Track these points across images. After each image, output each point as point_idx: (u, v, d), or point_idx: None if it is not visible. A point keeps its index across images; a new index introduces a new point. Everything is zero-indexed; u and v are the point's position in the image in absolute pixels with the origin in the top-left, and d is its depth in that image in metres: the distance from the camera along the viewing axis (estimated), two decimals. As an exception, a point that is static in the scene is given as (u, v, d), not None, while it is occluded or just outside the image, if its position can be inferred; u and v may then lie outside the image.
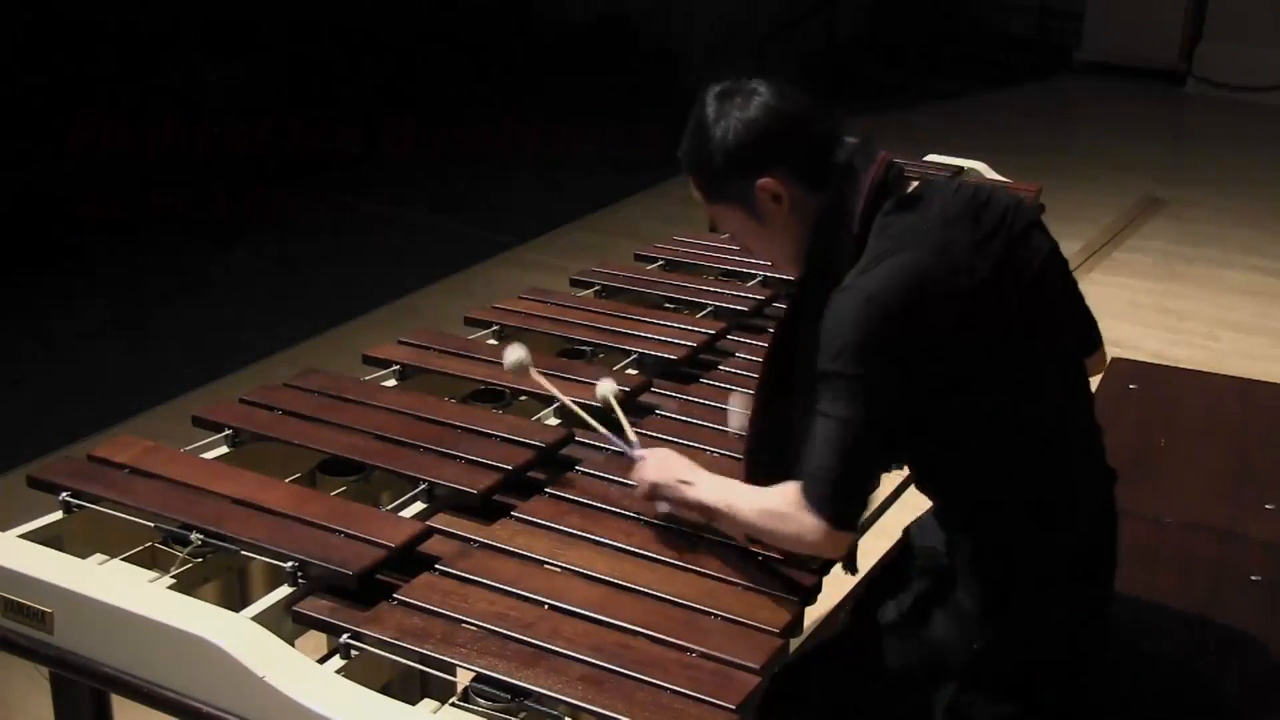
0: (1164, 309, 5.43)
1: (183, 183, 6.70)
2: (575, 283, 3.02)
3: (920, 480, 1.85)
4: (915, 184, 1.76)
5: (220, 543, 1.80)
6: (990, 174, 3.90)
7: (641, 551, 1.82)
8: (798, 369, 1.74)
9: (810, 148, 1.74)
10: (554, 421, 2.27)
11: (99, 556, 1.89)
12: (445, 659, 1.58)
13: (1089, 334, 1.94)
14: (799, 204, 1.74)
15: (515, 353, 2.14)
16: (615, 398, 2.10)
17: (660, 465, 1.86)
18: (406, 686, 2.04)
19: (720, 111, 1.74)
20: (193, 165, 6.84)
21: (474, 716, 1.55)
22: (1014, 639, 1.76)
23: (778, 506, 1.68)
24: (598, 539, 1.86)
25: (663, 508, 1.87)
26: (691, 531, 1.87)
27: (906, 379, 1.62)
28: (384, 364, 2.47)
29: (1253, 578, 2.35)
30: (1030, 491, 1.72)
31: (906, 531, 1.94)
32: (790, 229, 1.77)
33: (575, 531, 1.87)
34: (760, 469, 1.82)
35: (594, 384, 2.14)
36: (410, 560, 1.78)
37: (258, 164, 6.96)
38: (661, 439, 2.13)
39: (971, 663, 1.76)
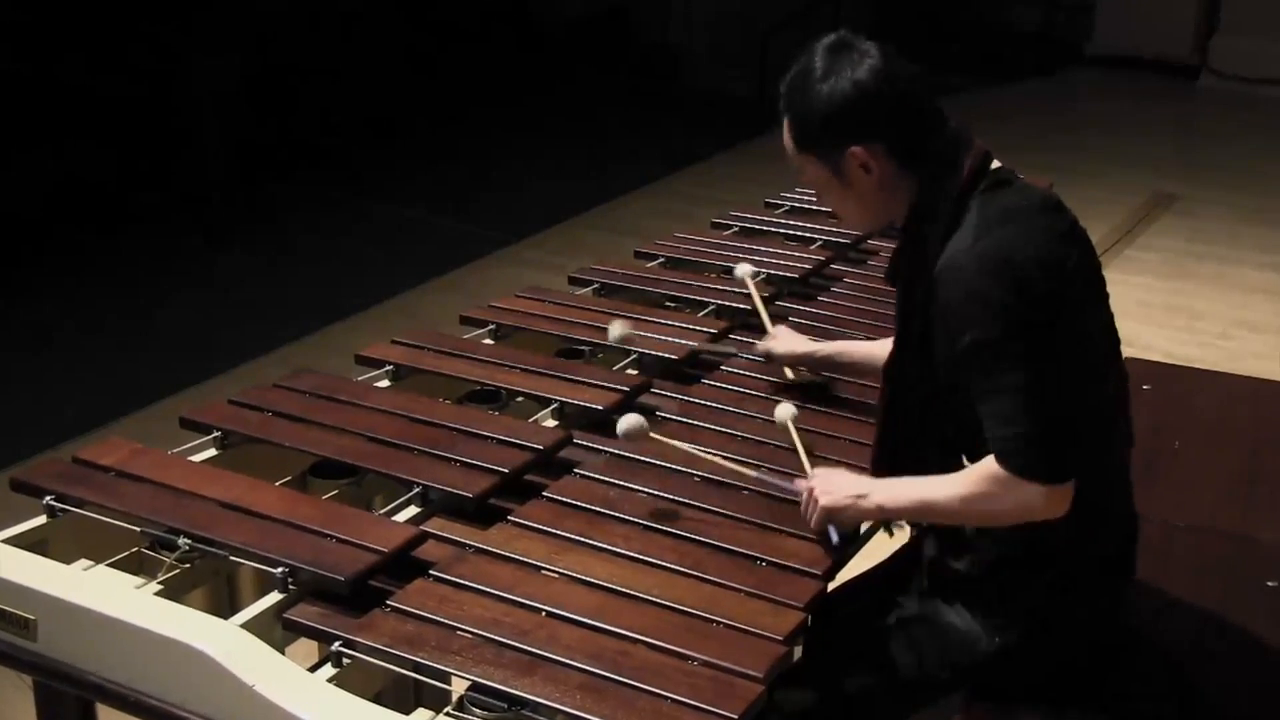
0: (1176, 308, 5.42)
1: (172, 179, 6.71)
2: (574, 281, 3.02)
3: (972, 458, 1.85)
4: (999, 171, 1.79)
5: (209, 548, 1.80)
6: (999, 169, 3.90)
7: (641, 557, 1.82)
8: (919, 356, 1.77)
9: (911, 127, 1.75)
10: (551, 423, 2.26)
11: (84, 562, 1.89)
12: (440, 667, 1.58)
13: None
14: (887, 178, 1.76)
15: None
16: (794, 422, 2.10)
17: (826, 487, 1.84)
18: (400, 695, 2.04)
19: (830, 66, 1.74)
20: (183, 161, 6.84)
21: (469, 726, 1.55)
22: (1035, 638, 1.77)
23: (984, 488, 1.67)
24: (596, 544, 1.85)
25: (834, 535, 1.83)
26: (692, 536, 1.87)
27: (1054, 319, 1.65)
28: (377, 364, 2.46)
29: (1268, 583, 2.35)
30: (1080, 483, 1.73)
31: (918, 533, 1.94)
32: (872, 198, 1.79)
33: (573, 536, 1.87)
34: (885, 464, 1.86)
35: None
36: (404, 566, 1.78)
37: (250, 159, 6.95)
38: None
39: (989, 661, 1.77)
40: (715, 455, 2.01)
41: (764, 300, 2.63)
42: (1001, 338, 1.63)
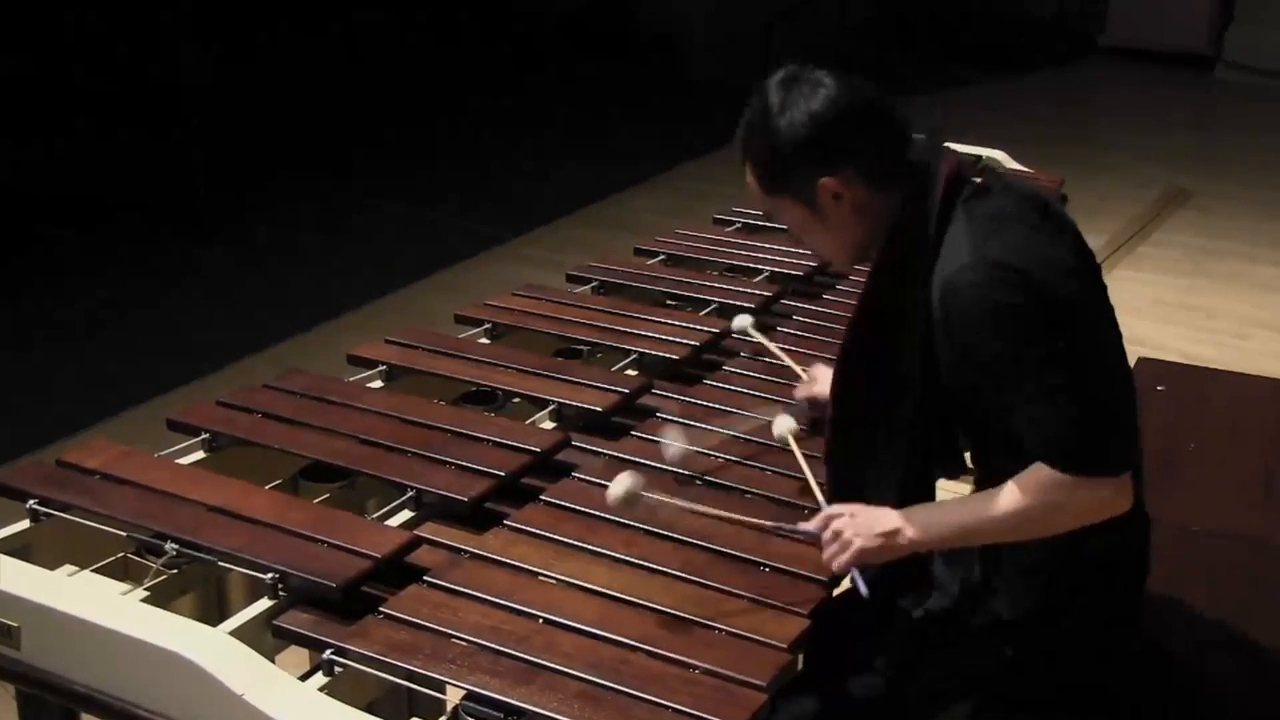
0: (1191, 306, 5.42)
1: (160, 175, 6.71)
2: (572, 279, 3.02)
3: (984, 465, 1.85)
4: (979, 175, 1.79)
5: (197, 553, 1.80)
6: (1010, 163, 3.90)
7: (641, 562, 1.82)
8: (885, 357, 1.76)
9: (877, 148, 1.74)
10: (549, 425, 2.26)
11: (69, 567, 1.89)
12: (434, 676, 1.58)
13: None
14: (861, 203, 1.76)
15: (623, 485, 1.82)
16: (794, 436, 2.05)
17: (854, 529, 1.74)
18: (393, 705, 2.04)
19: (784, 102, 1.73)
20: (171, 157, 6.85)
21: (464, 736, 1.55)
22: (1045, 645, 1.77)
23: (1045, 498, 1.65)
24: (595, 549, 1.85)
25: (862, 586, 1.75)
26: (693, 541, 1.87)
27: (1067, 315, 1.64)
28: (370, 364, 2.47)
29: (1285, 589, 2.35)
30: None
31: None
32: (850, 226, 1.78)
33: (571, 541, 1.87)
34: (841, 462, 1.84)
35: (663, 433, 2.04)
36: (397, 571, 1.78)
37: (238, 154, 6.96)
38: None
39: (998, 668, 1.78)
40: (720, 513, 1.89)
41: (773, 343, 2.45)
42: (1022, 344, 1.62)
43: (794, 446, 2.04)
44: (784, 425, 2.08)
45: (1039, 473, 1.65)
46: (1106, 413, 1.65)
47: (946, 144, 1.78)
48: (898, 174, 1.74)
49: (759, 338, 2.46)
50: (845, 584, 1.89)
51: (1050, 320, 1.63)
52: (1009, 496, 1.67)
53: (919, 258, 1.71)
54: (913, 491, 1.80)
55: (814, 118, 1.71)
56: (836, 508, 1.79)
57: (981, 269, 1.64)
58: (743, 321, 2.49)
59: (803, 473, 1.98)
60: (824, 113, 1.71)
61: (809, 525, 1.80)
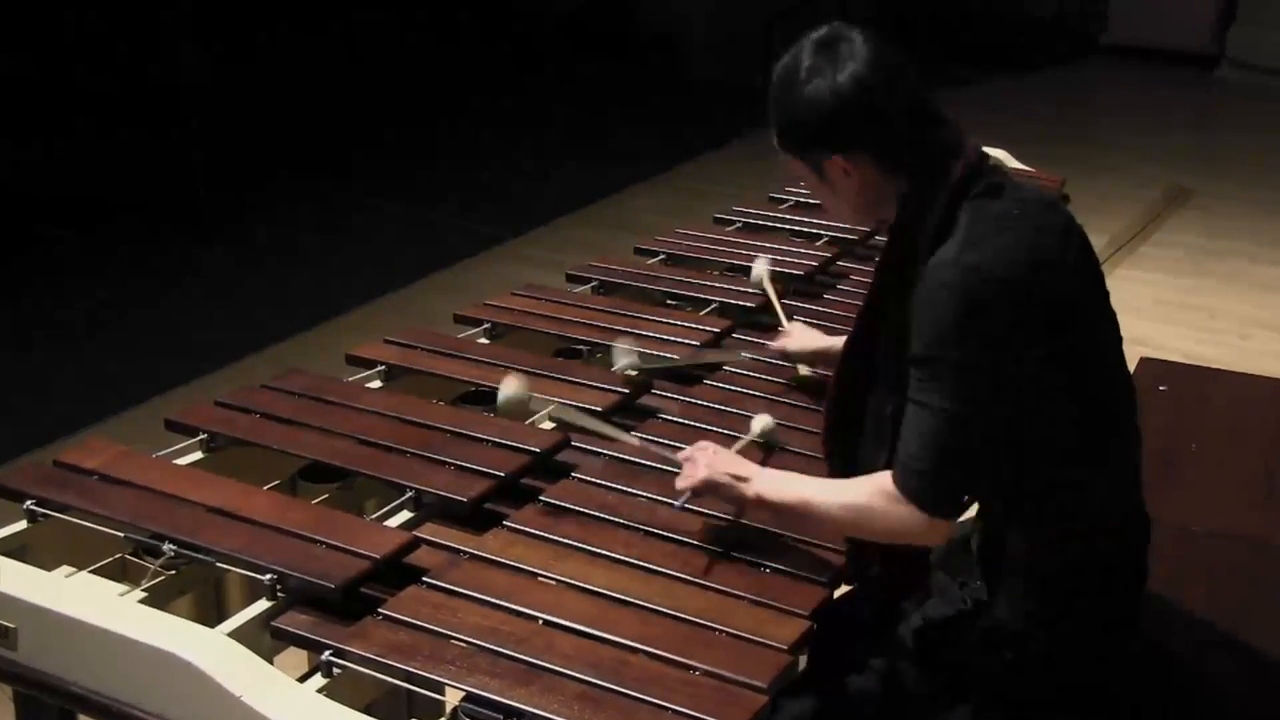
0: (1193, 306, 5.42)
1: (160, 175, 6.71)
2: (571, 278, 3.02)
3: None
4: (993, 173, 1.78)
5: (195, 554, 1.80)
6: (1013, 163, 3.89)
7: (641, 563, 1.82)
8: (882, 353, 1.78)
9: (895, 135, 1.73)
10: (548, 425, 2.26)
11: (66, 568, 1.88)
12: (433, 677, 1.58)
13: None
14: (870, 183, 1.76)
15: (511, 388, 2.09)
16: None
17: (712, 460, 1.85)
18: (392, 706, 2.04)
19: (815, 66, 1.72)
20: (171, 157, 6.85)
21: (464, 738, 1.55)
22: (1046, 646, 1.77)
23: (867, 501, 1.69)
24: (595, 550, 1.85)
25: (679, 503, 1.86)
26: (693, 542, 1.87)
27: (1011, 362, 1.64)
28: (369, 364, 2.47)
29: (1288, 590, 2.35)
30: (1093, 490, 1.75)
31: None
32: (856, 199, 1.79)
33: (571, 542, 1.87)
34: (838, 459, 1.86)
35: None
36: (396, 572, 1.78)
37: (236, 155, 6.96)
38: (661, 443, 2.12)
39: (999, 670, 1.77)
40: (599, 423, 2.06)
41: (780, 296, 2.65)
42: (941, 355, 1.62)
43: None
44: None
45: (882, 477, 1.68)
46: (967, 458, 1.66)
47: (971, 139, 1.77)
48: (912, 162, 1.74)
49: (768, 284, 2.68)
50: (846, 585, 1.90)
51: (977, 346, 1.61)
52: (846, 488, 1.73)
53: (919, 246, 1.71)
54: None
55: (836, 95, 1.69)
56: (709, 444, 1.89)
57: (951, 271, 1.63)
58: (760, 269, 2.73)
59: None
60: (847, 93, 1.69)
61: (682, 452, 1.90)
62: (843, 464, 1.85)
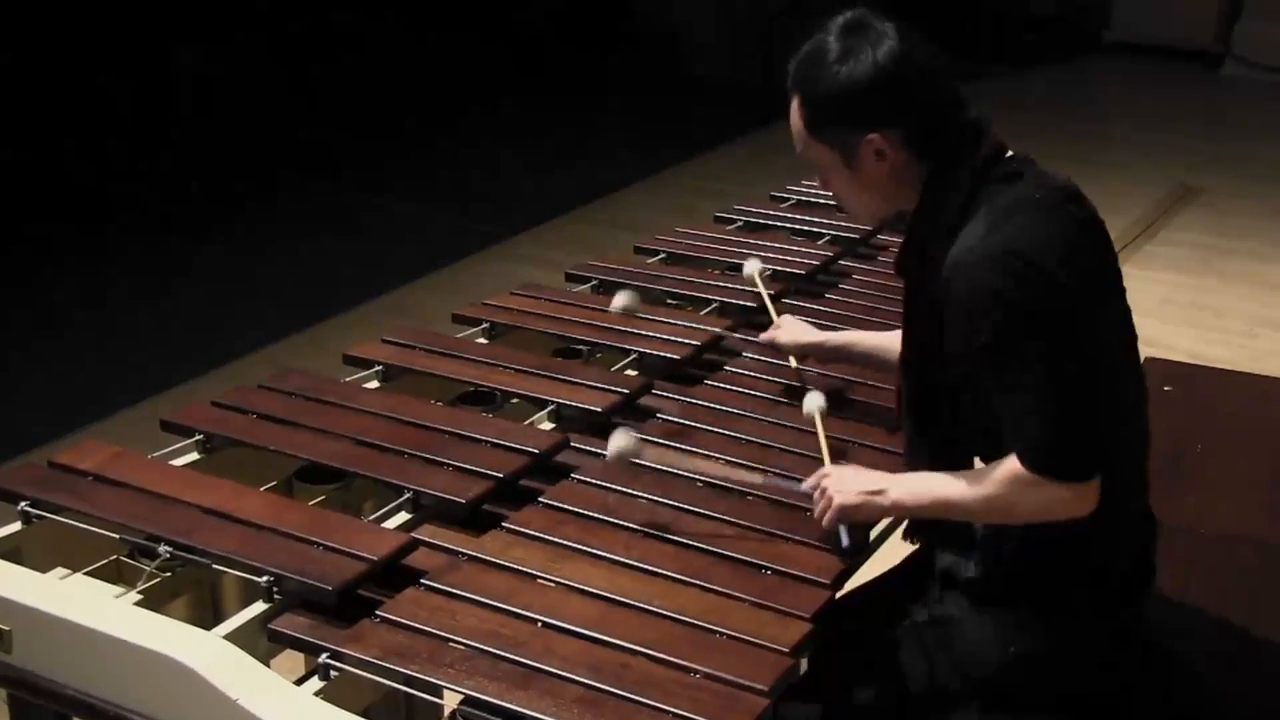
0: (1200, 305, 5.42)
1: (159, 175, 6.71)
2: (571, 277, 3.02)
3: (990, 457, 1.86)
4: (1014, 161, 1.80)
5: (191, 555, 1.80)
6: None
7: (641, 565, 1.82)
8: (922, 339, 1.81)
9: (930, 114, 1.75)
10: (548, 425, 2.26)
11: (60, 570, 1.89)
12: (431, 680, 1.58)
13: None
14: (899, 166, 1.77)
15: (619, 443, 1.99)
16: (821, 414, 2.10)
17: (840, 485, 1.83)
18: (390, 709, 2.04)
19: (846, 47, 1.73)
20: (164, 154, 6.85)
21: (462, 741, 1.55)
22: (1052, 649, 1.77)
23: (1005, 491, 1.69)
24: (595, 551, 1.85)
25: (845, 538, 1.83)
26: (694, 544, 1.87)
27: (1070, 312, 1.65)
28: (366, 364, 2.46)
29: (1295, 593, 2.35)
30: (1100, 491, 1.74)
31: (929, 541, 1.94)
32: (881, 187, 1.80)
33: (571, 544, 1.87)
34: (925, 453, 1.87)
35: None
36: (394, 574, 1.78)
37: (235, 155, 6.96)
38: (662, 444, 2.13)
39: (1004, 673, 1.77)
40: (716, 460, 2.01)
41: (772, 295, 2.64)
42: (1017, 335, 1.64)
43: (818, 422, 2.10)
44: (813, 403, 2.15)
45: (1010, 464, 1.68)
46: (1084, 418, 1.66)
47: (992, 125, 1.78)
48: (940, 146, 1.75)
49: (759, 283, 2.64)
50: (845, 588, 1.90)
51: (1044, 315, 1.64)
52: (980, 480, 1.72)
53: (940, 234, 1.73)
54: (944, 458, 1.85)
55: (877, 68, 1.71)
56: (830, 467, 1.88)
57: (986, 254, 1.65)
58: (752, 268, 2.68)
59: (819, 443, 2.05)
60: (886, 66, 1.71)
61: (805, 484, 1.88)
62: (930, 465, 1.85)
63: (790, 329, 2.40)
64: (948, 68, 1.77)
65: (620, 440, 1.96)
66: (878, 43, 1.72)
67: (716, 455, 2.09)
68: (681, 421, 2.26)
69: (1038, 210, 1.70)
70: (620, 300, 2.54)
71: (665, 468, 2.05)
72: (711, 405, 2.33)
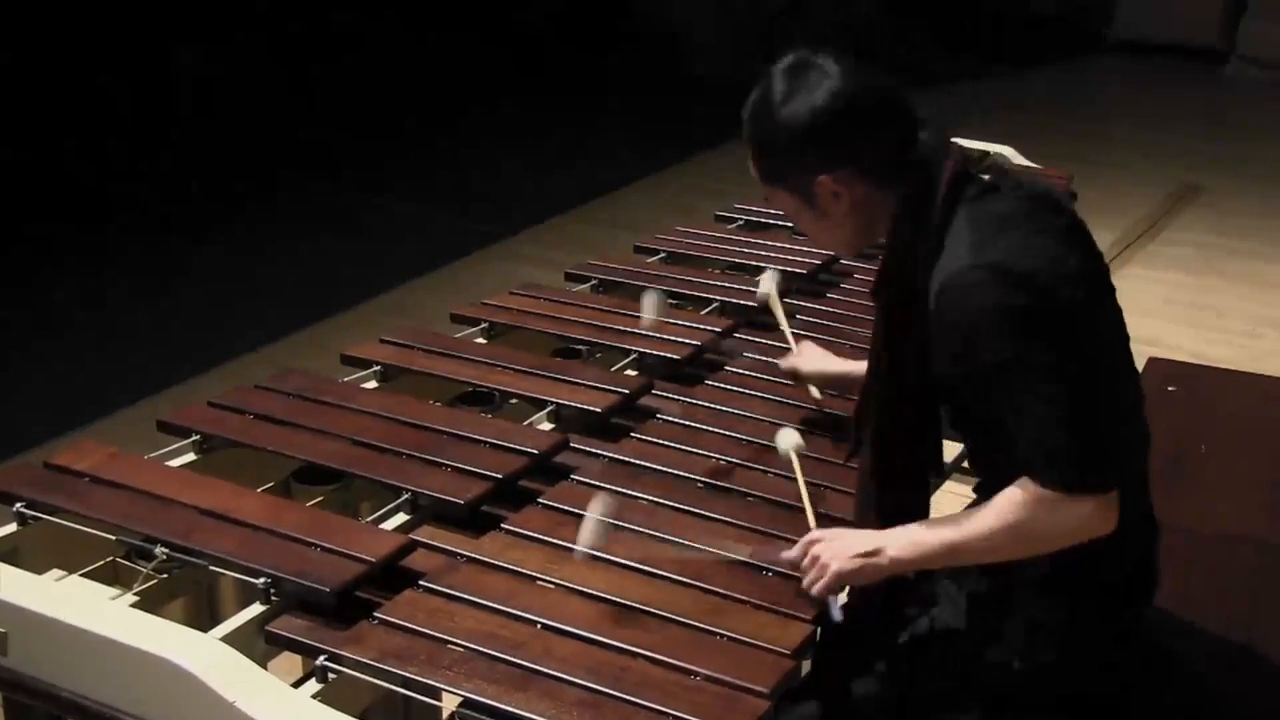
0: (1202, 305, 5.42)
1: (159, 175, 6.71)
2: (570, 277, 3.02)
3: (985, 467, 1.85)
4: (986, 172, 1.78)
5: (187, 557, 1.80)
6: (1019, 159, 3.89)
7: (641, 567, 1.81)
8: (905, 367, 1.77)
9: (880, 147, 1.73)
10: (547, 426, 2.26)
11: (56, 572, 1.88)
12: (430, 682, 1.58)
13: None
14: (860, 201, 1.75)
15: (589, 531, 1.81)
16: (798, 452, 2.03)
17: (833, 551, 1.73)
18: (388, 711, 2.04)
19: (788, 92, 1.72)
20: (164, 154, 6.86)
21: (460, 744, 1.54)
22: (1054, 652, 1.77)
23: (1026, 514, 1.63)
24: (594, 553, 1.85)
25: (835, 611, 1.72)
26: (695, 546, 1.86)
27: (1068, 319, 1.63)
28: (364, 364, 2.46)
29: (1298, 594, 2.35)
30: None
31: None
32: (848, 223, 1.78)
33: (570, 545, 1.86)
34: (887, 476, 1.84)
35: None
36: (392, 576, 1.78)
37: (235, 155, 6.97)
38: (662, 444, 2.12)
39: (1006, 676, 1.77)
40: (698, 547, 1.86)
41: (786, 312, 2.53)
42: (1024, 351, 1.61)
43: (794, 462, 2.02)
44: (788, 441, 2.05)
45: (1023, 488, 1.64)
46: (1099, 427, 1.63)
47: (953, 140, 1.78)
48: (901, 172, 1.73)
49: (775, 301, 2.50)
50: (843, 596, 1.89)
51: (1057, 326, 1.62)
52: (993, 514, 1.66)
53: (918, 260, 1.70)
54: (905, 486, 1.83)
55: (816, 113, 1.69)
56: (817, 533, 1.78)
57: (983, 271, 1.63)
58: (766, 289, 2.55)
59: (800, 495, 1.95)
60: (827, 108, 1.69)
61: (789, 553, 1.77)
62: (897, 497, 1.82)
63: (811, 357, 2.32)
64: (899, 92, 1.74)
65: (588, 532, 1.80)
66: (817, 85, 1.70)
67: (700, 547, 1.87)
68: (681, 422, 2.26)
69: (1024, 223, 1.68)
70: (649, 312, 2.48)
71: (666, 468, 2.04)
72: (711, 405, 2.33)
